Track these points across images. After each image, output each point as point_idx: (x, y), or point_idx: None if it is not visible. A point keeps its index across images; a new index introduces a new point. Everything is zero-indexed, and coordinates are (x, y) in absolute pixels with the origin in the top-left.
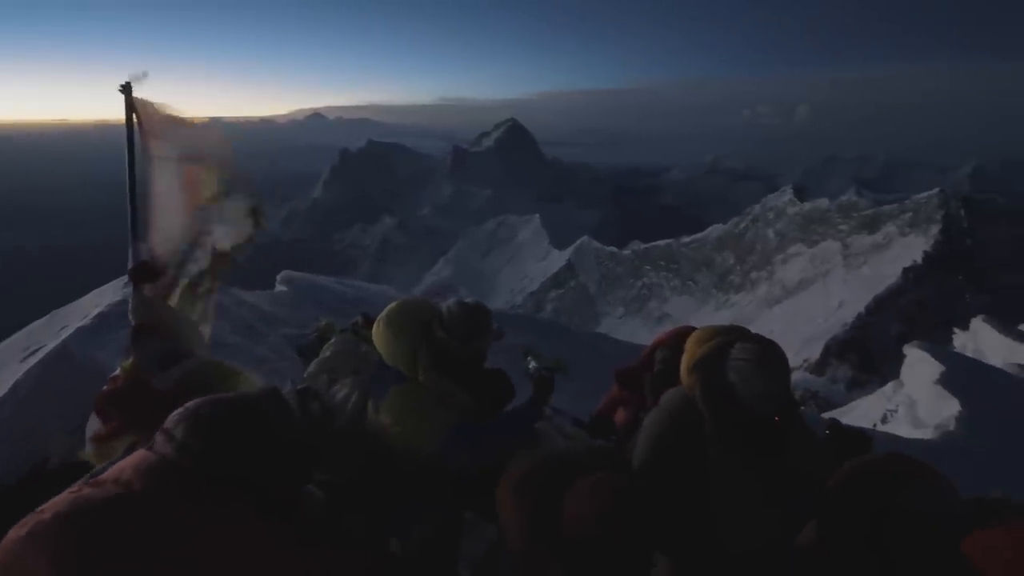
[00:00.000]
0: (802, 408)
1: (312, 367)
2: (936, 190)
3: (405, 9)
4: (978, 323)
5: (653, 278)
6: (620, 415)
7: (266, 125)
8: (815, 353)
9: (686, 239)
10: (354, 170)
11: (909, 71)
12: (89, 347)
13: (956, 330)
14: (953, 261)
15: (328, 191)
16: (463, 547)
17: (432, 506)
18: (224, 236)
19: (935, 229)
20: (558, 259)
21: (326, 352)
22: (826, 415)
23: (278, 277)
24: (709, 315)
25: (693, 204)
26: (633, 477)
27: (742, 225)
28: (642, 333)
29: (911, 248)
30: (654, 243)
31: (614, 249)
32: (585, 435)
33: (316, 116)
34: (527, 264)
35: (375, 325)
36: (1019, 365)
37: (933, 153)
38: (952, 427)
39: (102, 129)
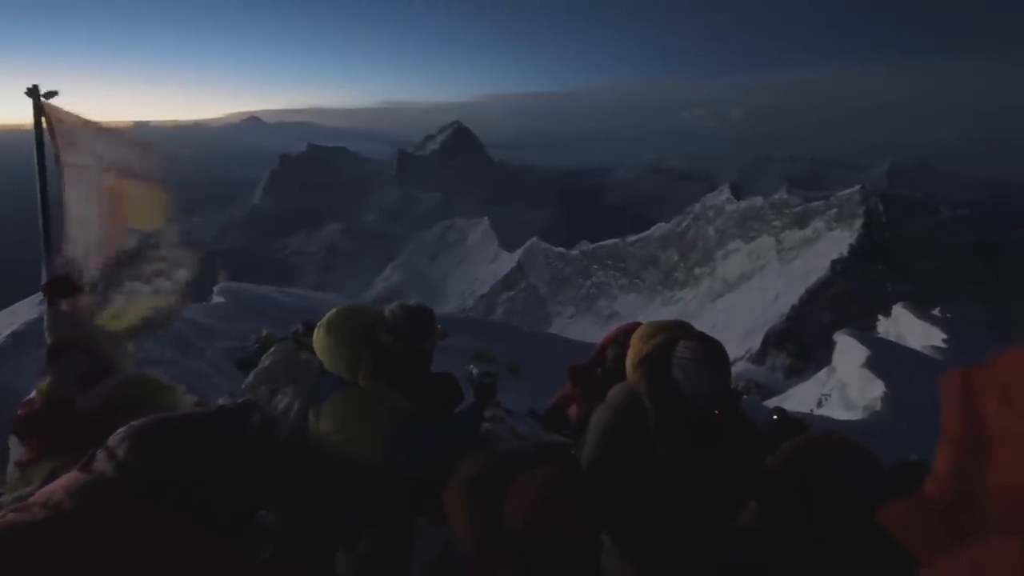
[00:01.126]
0: (745, 397)
1: (251, 378)
2: (857, 187)
3: (345, 9)
4: (898, 310)
5: (601, 277)
6: (573, 411)
7: (198, 129)
8: (755, 344)
9: (632, 238)
10: (295, 175)
11: (832, 76)
12: (3, 369)
13: (880, 317)
14: (875, 253)
15: (268, 197)
16: (416, 552)
17: (380, 514)
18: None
19: (858, 223)
20: (508, 261)
21: (265, 362)
22: (768, 403)
23: (215, 288)
24: (656, 311)
25: (637, 204)
26: (582, 471)
27: (684, 224)
28: (593, 331)
29: (838, 242)
30: (601, 243)
31: (563, 250)
32: (540, 429)
33: (253, 120)
34: (477, 267)
35: (316, 332)
36: (934, 347)
37: (854, 152)
38: (879, 407)
39: (8, 135)
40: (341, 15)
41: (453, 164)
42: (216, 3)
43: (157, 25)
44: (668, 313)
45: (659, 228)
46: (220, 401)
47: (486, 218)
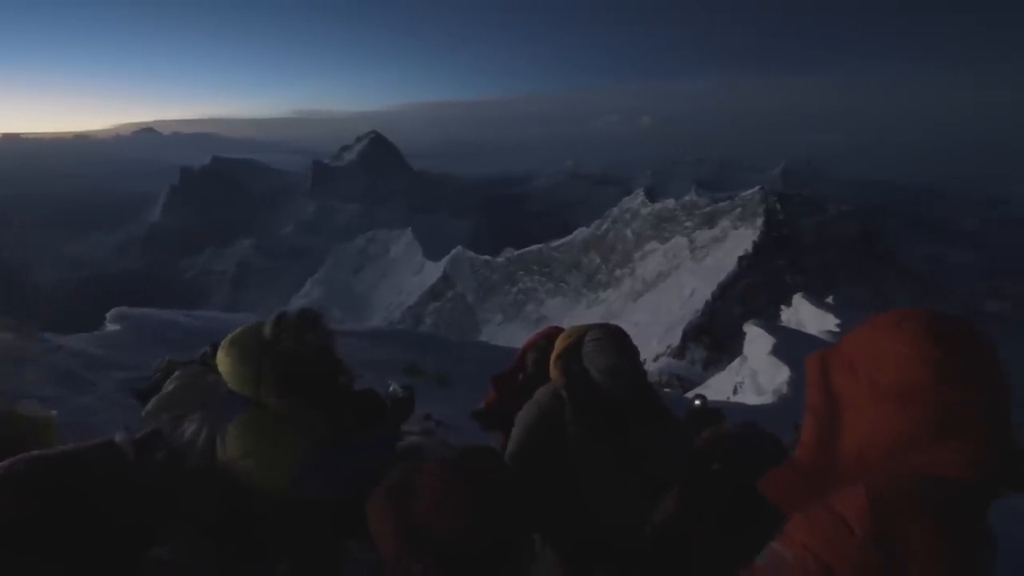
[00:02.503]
0: (667, 390)
1: (151, 405)
2: (757, 188)
3: (248, 14)
4: (797, 299)
5: (527, 283)
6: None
7: (81, 141)
8: (675, 339)
9: (555, 243)
10: (199, 190)
11: (729, 84)
12: None
13: (782, 307)
14: (775, 248)
15: (168, 214)
16: None
17: (300, 541)
18: None
19: (759, 221)
20: (433, 271)
21: (168, 387)
22: (690, 394)
23: (108, 315)
24: (582, 313)
25: (558, 209)
26: (507, 469)
27: (603, 227)
28: (522, 337)
29: (743, 239)
30: (526, 249)
31: (488, 257)
32: (478, 433)
33: (147, 131)
34: (402, 278)
35: (218, 351)
36: (829, 331)
37: (752, 155)
38: (786, 390)
39: None
40: (244, 20)
41: (372, 174)
42: (98, 2)
43: (29, 26)
44: (594, 314)
45: (580, 232)
46: (117, 436)
47: (409, 228)
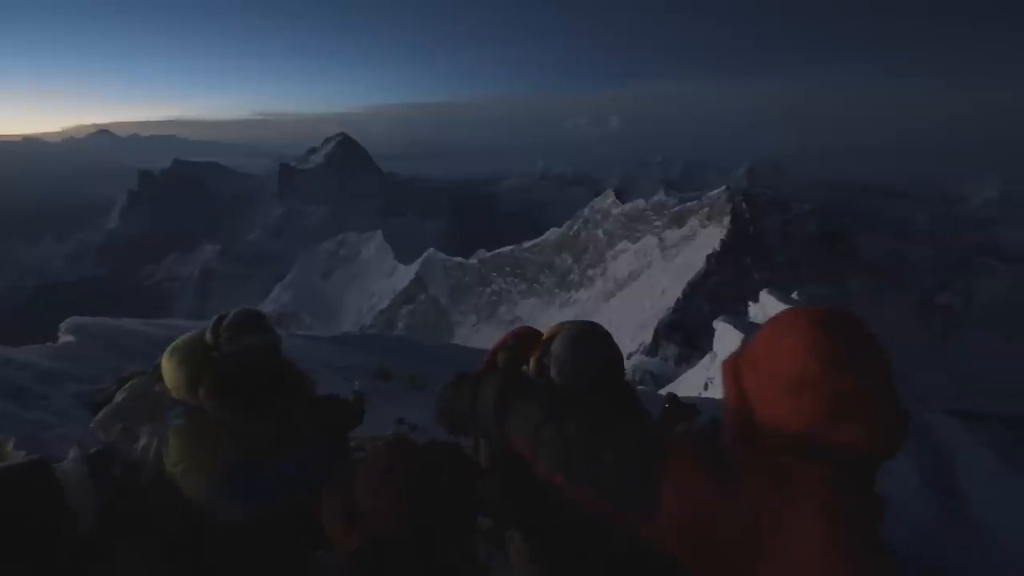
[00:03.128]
0: (641, 387)
1: (100, 415)
2: (724, 188)
3: (209, 14)
4: (764, 295)
5: (501, 284)
6: None
7: (32, 145)
8: (648, 337)
9: (527, 244)
10: (159, 194)
11: (694, 88)
12: None
13: (750, 303)
14: (742, 246)
15: (128, 219)
16: None
17: (263, 555)
18: None
19: (727, 220)
20: (405, 274)
21: (118, 397)
22: (663, 391)
23: (61, 325)
24: (556, 313)
25: (530, 210)
26: (476, 466)
27: (575, 227)
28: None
29: (711, 237)
30: (498, 250)
31: (461, 259)
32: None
33: (102, 133)
34: (374, 282)
35: (162, 359)
36: None
37: (718, 156)
38: None
39: None
40: (204, 18)
41: (341, 177)
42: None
43: None
44: (567, 314)
45: (552, 233)
46: (71, 452)
47: (379, 231)
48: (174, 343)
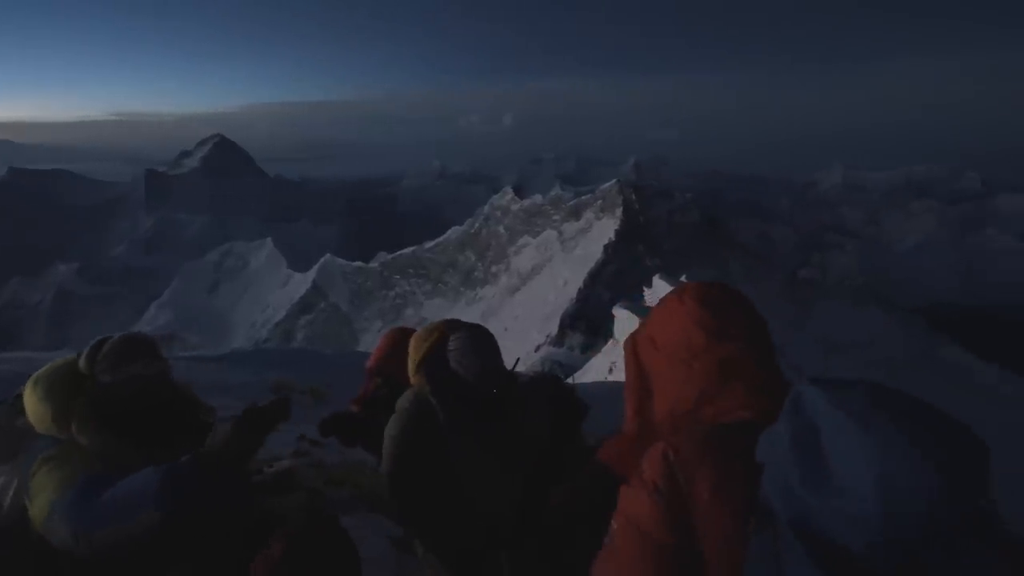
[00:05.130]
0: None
1: None
2: (614, 181)
3: (57, 5)
4: (657, 281)
5: (404, 286)
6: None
7: None
8: (554, 328)
9: (429, 244)
10: None
11: (583, 84)
12: None
13: (645, 288)
14: (634, 235)
15: None
16: None
17: None
18: None
19: (619, 211)
20: (301, 282)
21: None
22: (570, 380)
23: None
24: (462, 311)
25: (429, 210)
26: (385, 480)
27: (476, 225)
28: None
29: (606, 229)
30: (400, 252)
31: (360, 263)
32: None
33: None
34: (266, 293)
35: (24, 391)
36: None
37: (606, 151)
38: None
39: None
40: (47, 11)
41: (220, 182)
42: None
43: None
44: (474, 311)
45: (454, 231)
46: None
47: (269, 239)
48: (36, 374)
